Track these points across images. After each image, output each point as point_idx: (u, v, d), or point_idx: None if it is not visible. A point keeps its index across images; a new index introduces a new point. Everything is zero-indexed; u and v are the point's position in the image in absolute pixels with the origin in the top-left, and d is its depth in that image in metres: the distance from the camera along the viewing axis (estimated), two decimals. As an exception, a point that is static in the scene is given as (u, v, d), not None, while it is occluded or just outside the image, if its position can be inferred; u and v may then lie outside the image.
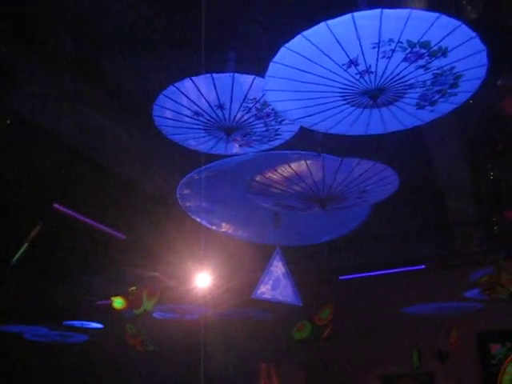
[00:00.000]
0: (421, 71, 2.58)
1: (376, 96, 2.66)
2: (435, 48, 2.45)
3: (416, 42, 2.40)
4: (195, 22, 3.46)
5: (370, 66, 2.50)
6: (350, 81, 2.61)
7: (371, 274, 8.99)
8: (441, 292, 8.18)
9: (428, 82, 2.65)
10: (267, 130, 3.34)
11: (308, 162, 3.47)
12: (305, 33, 2.38)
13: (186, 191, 4.28)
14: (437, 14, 2.32)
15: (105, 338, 9.02)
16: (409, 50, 2.43)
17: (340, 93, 2.73)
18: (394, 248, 8.23)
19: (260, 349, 9.32)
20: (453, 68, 2.59)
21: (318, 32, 2.36)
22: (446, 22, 2.35)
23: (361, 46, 2.36)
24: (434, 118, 2.98)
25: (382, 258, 8.77)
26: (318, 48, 2.42)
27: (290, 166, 3.51)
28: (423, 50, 2.45)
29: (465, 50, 2.49)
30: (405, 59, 2.49)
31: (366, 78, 2.54)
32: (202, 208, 4.59)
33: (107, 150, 5.78)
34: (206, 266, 6.70)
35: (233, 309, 8.47)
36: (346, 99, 2.77)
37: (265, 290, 5.20)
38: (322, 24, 2.33)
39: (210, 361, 8.60)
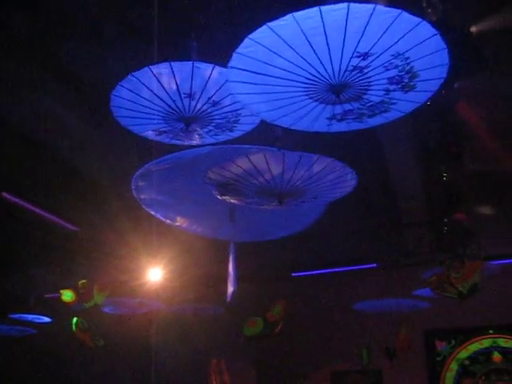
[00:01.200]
0: (381, 69, 2.60)
1: (339, 92, 2.66)
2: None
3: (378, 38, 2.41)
4: (155, 10, 3.41)
5: (333, 60, 2.49)
6: (314, 75, 2.60)
7: (324, 271, 9.10)
8: (391, 290, 8.32)
9: (388, 80, 2.67)
10: (227, 122, 3.30)
11: (267, 156, 3.44)
12: (270, 23, 2.36)
13: (141, 183, 4.21)
14: (398, 11, 2.34)
15: (53, 332, 8.83)
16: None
17: (304, 88, 2.72)
18: (346, 246, 8.33)
19: (211, 344, 9.30)
20: (412, 67, 2.61)
21: (284, 24, 2.34)
22: (407, 19, 2.38)
23: (327, 39, 2.36)
24: (397, 116, 3.00)
25: (335, 256, 8.88)
26: (283, 40, 2.41)
27: (249, 160, 3.48)
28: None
29: (425, 49, 2.52)
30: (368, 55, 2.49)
31: (330, 72, 2.54)
32: (157, 201, 4.53)
33: (62, 139, 5.64)
34: (159, 260, 6.63)
35: (185, 304, 8.42)
36: (309, 94, 2.76)
37: (232, 289, 5.18)
38: (289, 16, 2.31)
39: (162, 356, 8.53)
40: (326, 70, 2.52)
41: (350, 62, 2.50)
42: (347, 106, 2.81)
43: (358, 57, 2.46)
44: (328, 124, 2.98)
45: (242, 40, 2.43)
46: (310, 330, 9.80)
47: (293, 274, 9.22)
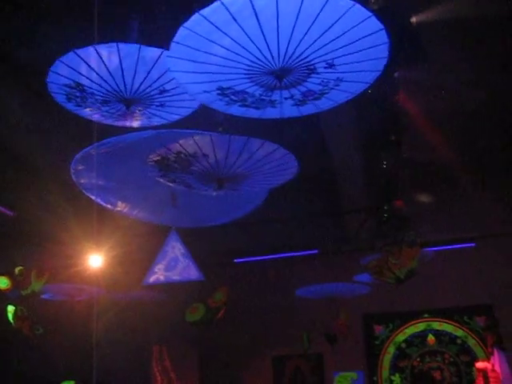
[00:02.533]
0: (321, 57, 2.61)
1: (281, 76, 2.67)
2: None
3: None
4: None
5: (270, 46, 2.49)
6: (254, 61, 2.60)
7: (266, 257, 9.17)
8: (332, 276, 8.47)
9: (326, 69, 2.69)
10: (169, 105, 3.26)
11: (213, 139, 3.42)
12: (202, 11, 2.34)
13: (80, 167, 4.12)
14: (352, 2, 2.35)
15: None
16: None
17: (245, 73, 2.72)
18: (288, 232, 8.41)
19: (153, 331, 9.25)
20: (348, 58, 2.63)
21: (215, 10, 2.32)
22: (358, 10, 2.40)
23: (260, 24, 2.35)
24: (330, 106, 3.02)
25: (277, 242, 8.96)
26: (216, 27, 2.39)
27: (194, 142, 3.45)
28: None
29: (369, 41, 2.55)
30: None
31: (269, 58, 2.53)
32: (98, 185, 4.44)
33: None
34: (99, 246, 6.52)
35: (126, 290, 8.32)
36: (251, 79, 2.75)
37: (159, 274, 5.15)
38: (218, 2, 2.29)
39: (103, 343, 8.40)
40: (267, 54, 2.51)
41: (288, 46, 2.49)
42: (289, 92, 2.82)
43: (299, 44, 2.47)
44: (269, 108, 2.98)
45: (185, 21, 2.40)
46: (252, 315, 9.88)
47: (235, 260, 9.25)
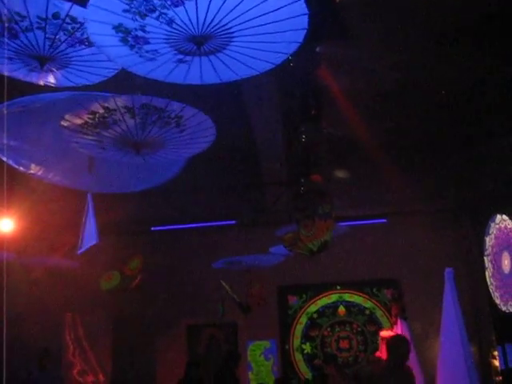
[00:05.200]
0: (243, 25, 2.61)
1: (201, 43, 2.65)
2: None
3: None
4: None
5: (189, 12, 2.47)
6: (174, 27, 2.57)
7: (183, 226, 9.15)
8: (249, 247, 8.59)
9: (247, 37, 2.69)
10: (86, 66, 3.16)
11: (128, 102, 3.35)
12: None
13: (-10, 126, 3.93)
14: None
15: None
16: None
17: (165, 38, 2.68)
18: (206, 202, 8.43)
19: (66, 298, 9.07)
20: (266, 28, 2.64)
21: None
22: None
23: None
24: (263, 70, 3.03)
25: (195, 212, 8.95)
26: None
27: (108, 107, 3.37)
28: None
29: (288, 12, 2.57)
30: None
31: (188, 24, 2.51)
32: (9, 146, 4.26)
33: None
34: (10, 210, 6.30)
35: (38, 256, 8.09)
36: (170, 44, 2.72)
37: (87, 240, 5.04)
38: None
39: (13, 311, 8.16)
40: (186, 20, 2.49)
41: (208, 13, 2.48)
42: (209, 59, 2.81)
43: (218, 11, 2.46)
44: (185, 75, 2.95)
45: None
46: (168, 284, 9.89)
47: (152, 229, 9.17)
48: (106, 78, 3.32)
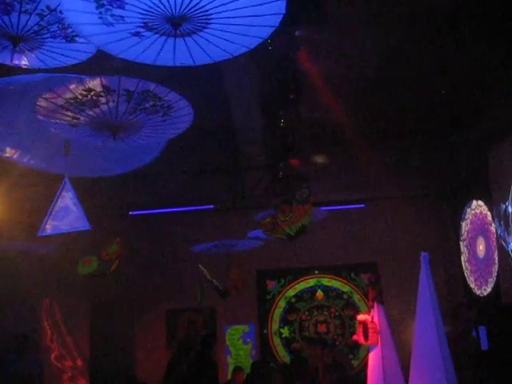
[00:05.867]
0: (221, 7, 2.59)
1: (178, 24, 2.62)
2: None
3: None
4: None
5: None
6: (151, 7, 2.54)
7: (162, 210, 9.11)
8: (227, 231, 8.60)
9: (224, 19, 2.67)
10: (61, 47, 3.11)
11: (103, 82, 3.31)
12: None
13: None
14: None
15: None
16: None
17: (141, 18, 2.64)
18: (185, 187, 8.40)
19: (43, 283, 8.99)
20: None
21: None
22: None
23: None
24: (238, 52, 3.01)
25: (173, 196, 8.92)
26: None
27: (82, 89, 3.33)
28: None
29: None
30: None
31: (166, 4, 2.48)
32: (-17, 129, 4.20)
33: None
34: (-15, 194, 6.21)
35: (14, 241, 8.00)
36: (147, 25, 2.69)
37: (54, 224, 4.99)
38: None
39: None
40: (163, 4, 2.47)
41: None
42: (184, 41, 2.78)
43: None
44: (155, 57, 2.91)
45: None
46: (146, 269, 9.87)
47: (130, 213, 9.11)
48: (80, 61, 3.26)
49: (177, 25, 2.62)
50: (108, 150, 4.56)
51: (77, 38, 3.00)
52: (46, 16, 2.82)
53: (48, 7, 2.75)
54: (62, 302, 9.68)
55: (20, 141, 4.58)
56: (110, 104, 3.50)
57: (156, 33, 2.74)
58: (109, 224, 8.70)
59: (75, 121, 3.66)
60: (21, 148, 4.71)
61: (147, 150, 4.70)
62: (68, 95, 3.39)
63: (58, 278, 8.91)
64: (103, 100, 3.39)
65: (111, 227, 8.60)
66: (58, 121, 3.69)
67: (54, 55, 3.16)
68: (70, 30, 2.92)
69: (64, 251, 7.85)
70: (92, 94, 3.35)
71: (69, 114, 3.58)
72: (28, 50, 3.09)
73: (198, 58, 2.98)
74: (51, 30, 2.92)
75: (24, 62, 3.22)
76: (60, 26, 2.85)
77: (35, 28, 2.89)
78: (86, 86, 3.41)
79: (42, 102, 3.49)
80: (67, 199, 4.87)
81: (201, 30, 2.72)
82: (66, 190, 4.91)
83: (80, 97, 3.38)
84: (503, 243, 7.46)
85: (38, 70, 3.50)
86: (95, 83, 3.42)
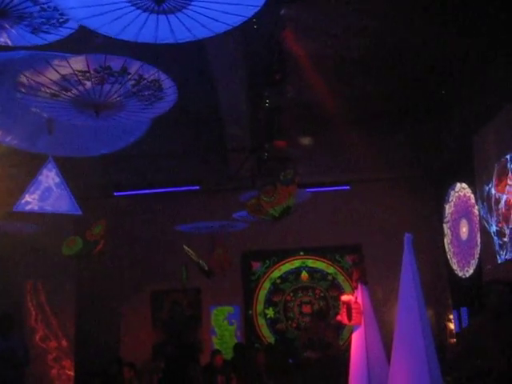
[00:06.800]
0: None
1: (161, 0, 2.58)
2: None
3: None
4: None
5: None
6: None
7: (147, 191, 9.05)
8: (213, 212, 8.60)
9: None
10: (41, 23, 3.05)
11: (88, 60, 3.26)
12: None
13: None
14: None
15: None
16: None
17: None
18: (170, 167, 8.37)
19: (26, 265, 8.94)
20: None
21: None
22: None
23: None
24: (221, 31, 2.98)
25: (159, 177, 8.88)
26: None
27: (65, 66, 3.28)
28: None
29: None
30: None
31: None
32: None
33: None
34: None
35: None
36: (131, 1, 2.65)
37: (31, 201, 4.94)
38: None
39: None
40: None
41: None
42: (167, 18, 2.74)
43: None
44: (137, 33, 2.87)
45: None
46: (131, 249, 9.85)
47: (115, 194, 9.04)
48: (62, 37, 3.21)
49: (160, 1, 2.58)
50: (93, 130, 4.51)
51: (58, 14, 2.95)
52: None
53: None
54: (46, 283, 9.64)
55: (2, 120, 4.51)
56: (94, 82, 3.45)
57: (138, 8, 2.69)
58: (94, 205, 8.65)
59: (57, 98, 3.61)
60: (2, 128, 4.64)
61: (132, 131, 4.66)
62: (51, 73, 3.34)
63: (42, 258, 8.86)
64: (87, 78, 3.34)
65: (96, 208, 8.55)
66: (39, 98, 3.63)
67: (35, 31, 3.11)
68: (49, 4, 2.87)
69: (49, 232, 7.79)
70: (76, 72, 3.29)
71: (51, 91, 3.53)
72: (9, 26, 3.03)
73: (181, 35, 2.94)
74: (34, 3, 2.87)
75: (3, 38, 3.16)
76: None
77: (15, 2, 2.84)
78: (70, 64, 3.36)
79: (23, 79, 3.44)
80: (50, 179, 4.82)
81: (184, 7, 2.69)
82: (49, 170, 4.86)
83: (63, 75, 3.32)
84: (485, 224, 7.54)
85: (20, 48, 3.45)
86: (79, 61, 3.37)
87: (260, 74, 5.72)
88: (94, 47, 3.55)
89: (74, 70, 3.29)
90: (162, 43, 3.01)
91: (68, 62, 3.29)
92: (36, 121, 4.40)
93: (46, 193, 4.88)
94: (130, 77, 3.37)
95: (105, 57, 3.36)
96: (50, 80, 3.40)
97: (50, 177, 4.96)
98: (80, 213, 5.17)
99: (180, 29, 2.87)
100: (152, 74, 3.40)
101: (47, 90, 3.50)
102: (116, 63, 3.29)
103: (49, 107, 3.78)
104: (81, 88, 3.45)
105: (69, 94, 3.50)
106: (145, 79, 3.42)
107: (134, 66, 3.34)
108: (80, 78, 3.34)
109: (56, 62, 3.28)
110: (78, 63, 3.28)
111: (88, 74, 3.33)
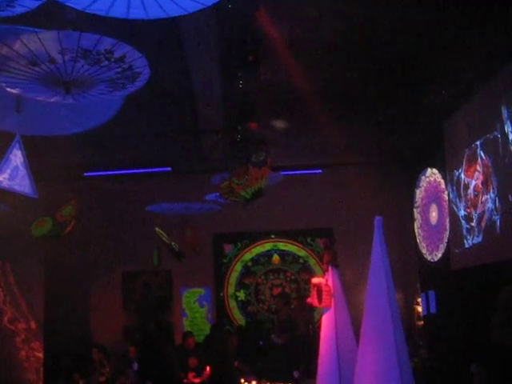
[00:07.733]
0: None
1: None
2: None
3: None
4: None
5: None
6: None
7: (118, 172, 8.97)
8: (184, 194, 8.56)
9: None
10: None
11: (61, 36, 3.18)
12: None
13: None
14: None
15: None
16: None
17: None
18: (142, 148, 8.29)
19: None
20: None
21: None
22: None
23: None
24: (193, 10, 2.94)
25: (130, 158, 8.80)
26: None
27: (35, 42, 3.20)
28: None
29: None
30: None
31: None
32: None
33: None
34: None
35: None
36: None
37: (1, 180, 4.86)
38: None
39: None
40: None
41: None
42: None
43: None
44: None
45: None
46: (102, 230, 9.76)
47: (85, 174, 8.94)
48: (30, 10, 3.11)
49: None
50: (63, 108, 4.42)
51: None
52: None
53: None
54: (15, 263, 9.51)
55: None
56: (65, 58, 3.38)
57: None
58: (64, 185, 8.54)
59: (26, 75, 3.52)
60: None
61: (103, 110, 4.59)
62: (19, 47, 3.25)
63: (11, 240, 8.72)
64: (57, 54, 3.26)
65: (66, 188, 8.45)
66: (6, 74, 3.54)
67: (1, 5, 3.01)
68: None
69: (18, 212, 7.67)
70: (45, 47, 3.21)
71: (18, 67, 3.44)
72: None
73: (153, 12, 2.89)
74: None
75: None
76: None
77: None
78: (40, 39, 3.28)
79: (-10, 54, 3.34)
80: (17, 158, 4.74)
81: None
82: (17, 149, 4.77)
83: (33, 50, 3.24)
84: (454, 208, 7.66)
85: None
86: (50, 36, 3.29)
87: (234, 55, 5.66)
88: (64, 22, 3.47)
89: (44, 46, 3.21)
90: (133, 19, 2.96)
91: (39, 36, 3.21)
92: (4, 98, 4.30)
93: (15, 172, 4.80)
94: (102, 54, 3.29)
95: (80, 35, 3.28)
96: (19, 55, 3.31)
97: (17, 156, 4.87)
98: (36, 196, 5.09)
99: (152, 5, 2.82)
100: (125, 52, 3.33)
101: (14, 65, 3.41)
102: (90, 40, 3.21)
103: (17, 83, 3.69)
104: (50, 64, 3.37)
105: (37, 69, 3.42)
106: (116, 57, 3.35)
107: (108, 44, 3.27)
108: (50, 54, 3.26)
109: (26, 36, 3.19)
110: (48, 39, 3.20)
111: (59, 51, 3.25)
